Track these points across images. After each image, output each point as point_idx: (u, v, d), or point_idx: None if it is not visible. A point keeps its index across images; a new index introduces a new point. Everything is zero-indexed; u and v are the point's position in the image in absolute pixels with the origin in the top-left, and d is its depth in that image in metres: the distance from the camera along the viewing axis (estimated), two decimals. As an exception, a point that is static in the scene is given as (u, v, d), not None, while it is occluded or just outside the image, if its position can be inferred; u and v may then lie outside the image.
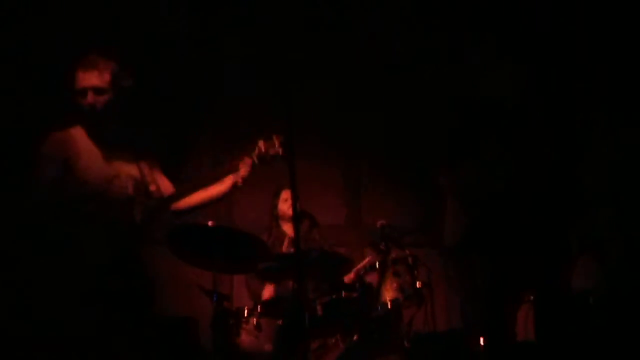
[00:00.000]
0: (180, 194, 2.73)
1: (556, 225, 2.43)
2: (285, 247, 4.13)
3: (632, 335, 3.21)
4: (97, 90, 2.60)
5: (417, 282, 3.59)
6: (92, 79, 2.60)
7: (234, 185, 2.68)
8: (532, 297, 2.57)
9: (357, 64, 4.96)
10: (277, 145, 2.61)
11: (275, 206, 4.22)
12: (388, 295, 3.52)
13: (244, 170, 2.63)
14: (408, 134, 4.72)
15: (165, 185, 2.82)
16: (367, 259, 3.82)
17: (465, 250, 2.49)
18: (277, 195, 4.23)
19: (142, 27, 4.31)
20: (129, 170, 2.69)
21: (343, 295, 3.57)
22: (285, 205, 4.12)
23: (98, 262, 2.51)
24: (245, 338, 3.45)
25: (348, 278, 3.85)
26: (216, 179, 2.71)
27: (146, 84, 2.85)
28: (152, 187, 2.70)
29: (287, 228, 4.17)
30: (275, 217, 4.22)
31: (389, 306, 3.52)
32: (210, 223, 2.97)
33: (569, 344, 2.38)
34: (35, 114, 3.71)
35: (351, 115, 5.11)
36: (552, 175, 2.35)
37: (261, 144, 2.64)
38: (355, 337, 3.50)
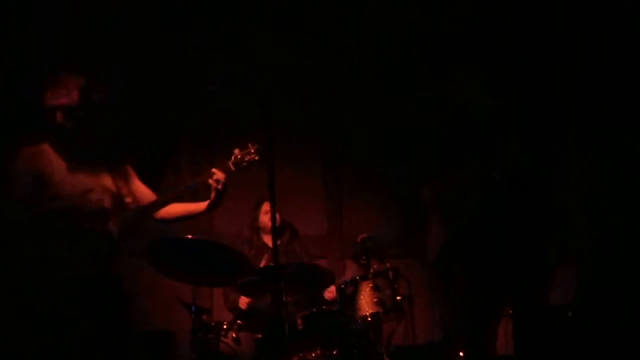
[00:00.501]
0: (159, 204, 2.71)
1: (534, 240, 2.45)
2: (266, 259, 4.10)
3: (610, 349, 3.24)
4: (66, 109, 2.58)
5: (397, 297, 3.58)
6: (60, 97, 2.58)
7: (215, 197, 2.67)
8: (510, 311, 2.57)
9: (340, 73, 4.97)
10: (252, 152, 2.66)
11: (256, 218, 4.21)
12: (368, 309, 3.50)
13: (218, 174, 2.63)
14: (390, 146, 4.74)
15: (146, 194, 2.79)
16: (348, 274, 3.82)
17: (446, 263, 2.50)
18: (258, 208, 4.22)
19: (121, 34, 4.28)
20: (104, 183, 2.67)
21: (323, 308, 3.55)
22: (266, 217, 4.11)
23: (74, 276, 2.47)
24: (225, 352, 3.42)
25: (329, 292, 3.84)
26: (194, 187, 2.70)
27: (125, 91, 2.82)
28: (128, 199, 2.67)
29: (268, 240, 4.15)
30: (257, 229, 4.21)
31: (369, 320, 3.51)
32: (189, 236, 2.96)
33: (548, 358, 2.39)
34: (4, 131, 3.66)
35: (333, 127, 5.12)
36: (530, 190, 2.37)
37: (237, 151, 2.69)
38: (335, 352, 3.48)
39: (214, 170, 2.65)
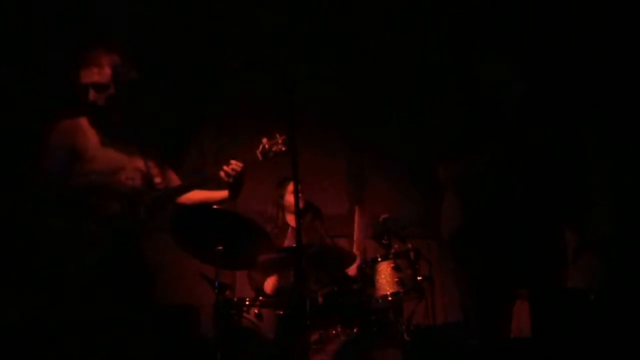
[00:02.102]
0: (183, 188, 2.75)
1: (553, 222, 2.43)
2: (288, 238, 4.14)
3: (633, 333, 3.22)
4: (98, 87, 2.61)
5: (418, 276, 3.59)
6: (92, 75, 2.62)
7: (228, 188, 2.71)
8: (526, 293, 2.56)
9: (359, 55, 4.94)
10: (280, 143, 2.68)
11: (281, 196, 4.21)
12: (389, 288, 3.52)
13: (234, 165, 2.66)
14: (411, 126, 4.71)
15: (173, 179, 2.83)
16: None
17: (461, 243, 2.49)
18: (282, 186, 4.22)
19: (146, 19, 4.30)
20: (135, 163, 2.71)
21: (344, 287, 3.58)
22: (291, 196, 4.12)
23: (101, 252, 2.51)
24: (247, 327, 3.47)
25: (350, 271, 3.86)
26: (210, 176, 2.73)
27: (149, 75, 2.85)
28: (158, 180, 2.72)
29: (291, 219, 4.18)
30: (282, 207, 4.21)
31: (390, 299, 3.53)
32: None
33: (567, 342, 2.39)
34: (40, 106, 3.71)
35: (355, 107, 5.11)
36: (553, 175, 2.35)
37: (265, 141, 2.71)
38: (355, 329, 3.52)
39: (232, 161, 2.68)
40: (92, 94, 2.61)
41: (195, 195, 2.81)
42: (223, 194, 2.79)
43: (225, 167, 2.68)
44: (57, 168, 2.58)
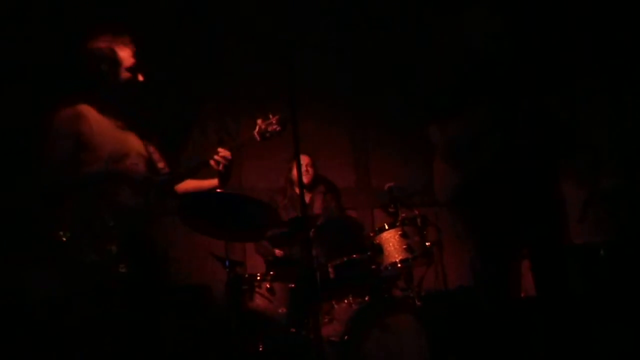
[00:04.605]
0: (187, 172, 2.77)
1: (552, 179, 2.40)
2: (298, 209, 4.18)
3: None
4: (134, 69, 2.65)
5: (426, 242, 3.61)
6: (130, 58, 2.66)
7: (218, 176, 2.73)
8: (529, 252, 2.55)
9: (360, 25, 4.90)
10: (274, 123, 2.69)
11: (290, 170, 4.32)
12: (398, 255, 3.54)
13: (223, 153, 2.68)
14: (413, 94, 4.68)
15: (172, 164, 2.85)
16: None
17: (464, 203, 2.47)
18: (292, 160, 4.27)
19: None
20: (137, 148, 2.71)
21: (353, 257, 3.61)
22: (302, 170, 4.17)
23: (113, 238, 2.52)
24: (260, 302, 3.52)
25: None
26: (200, 166, 2.74)
27: (149, 56, 2.84)
28: (161, 165, 2.72)
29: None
30: (291, 182, 4.31)
31: (399, 266, 3.56)
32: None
33: (573, 298, 2.38)
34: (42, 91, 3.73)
35: (357, 78, 5.08)
36: (550, 129, 2.31)
37: (260, 122, 2.72)
38: (367, 298, 3.55)
39: (219, 149, 2.69)
40: (140, 75, 2.65)
41: (187, 184, 2.82)
42: (213, 182, 2.81)
43: (215, 156, 2.68)
44: (65, 157, 2.56)
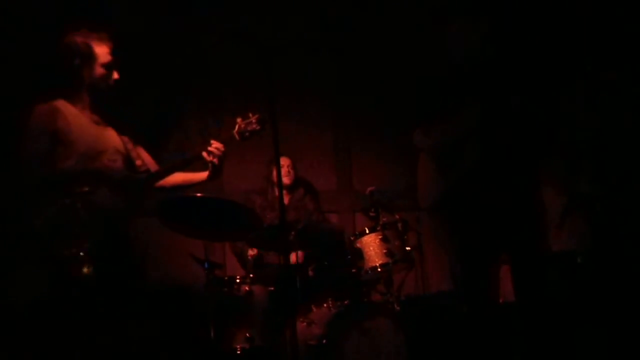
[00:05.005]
0: (168, 170, 2.73)
1: (532, 186, 2.42)
2: (277, 213, 4.16)
3: (620, 294, 3.26)
4: (110, 66, 2.61)
5: (407, 247, 3.61)
6: (107, 55, 2.61)
7: (212, 169, 2.70)
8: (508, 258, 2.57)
9: (345, 27, 4.90)
10: (254, 122, 2.68)
11: (271, 172, 4.26)
12: (378, 260, 3.54)
13: (217, 145, 2.66)
14: (397, 96, 4.70)
15: (150, 159, 2.81)
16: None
17: (445, 209, 2.49)
18: (272, 162, 4.24)
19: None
20: (115, 144, 2.68)
21: (333, 261, 3.60)
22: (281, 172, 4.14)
23: (91, 237, 2.48)
24: (238, 304, 3.49)
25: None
26: (192, 160, 2.72)
27: (131, 53, 2.81)
28: (138, 162, 2.69)
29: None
30: (271, 183, 4.27)
31: (379, 270, 3.56)
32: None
33: (552, 305, 2.40)
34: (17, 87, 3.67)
35: (341, 81, 5.08)
36: (530, 136, 2.33)
37: (239, 121, 2.71)
38: (346, 302, 3.54)
39: (212, 141, 2.67)
40: (115, 73, 2.61)
41: (176, 178, 2.79)
42: (202, 175, 2.78)
43: (209, 148, 2.66)
44: (41, 153, 2.53)
